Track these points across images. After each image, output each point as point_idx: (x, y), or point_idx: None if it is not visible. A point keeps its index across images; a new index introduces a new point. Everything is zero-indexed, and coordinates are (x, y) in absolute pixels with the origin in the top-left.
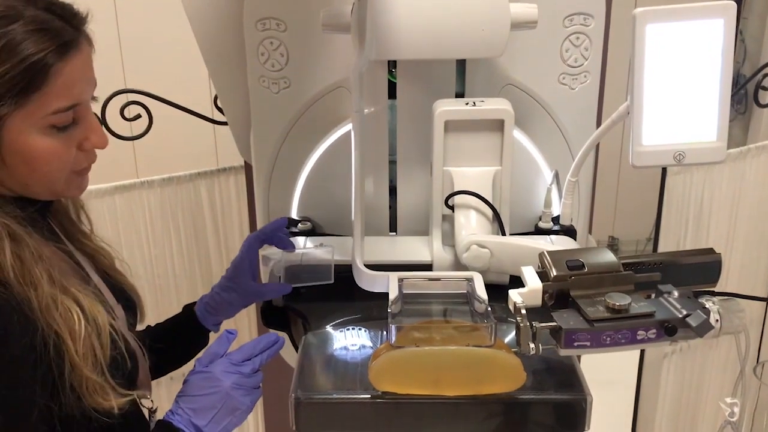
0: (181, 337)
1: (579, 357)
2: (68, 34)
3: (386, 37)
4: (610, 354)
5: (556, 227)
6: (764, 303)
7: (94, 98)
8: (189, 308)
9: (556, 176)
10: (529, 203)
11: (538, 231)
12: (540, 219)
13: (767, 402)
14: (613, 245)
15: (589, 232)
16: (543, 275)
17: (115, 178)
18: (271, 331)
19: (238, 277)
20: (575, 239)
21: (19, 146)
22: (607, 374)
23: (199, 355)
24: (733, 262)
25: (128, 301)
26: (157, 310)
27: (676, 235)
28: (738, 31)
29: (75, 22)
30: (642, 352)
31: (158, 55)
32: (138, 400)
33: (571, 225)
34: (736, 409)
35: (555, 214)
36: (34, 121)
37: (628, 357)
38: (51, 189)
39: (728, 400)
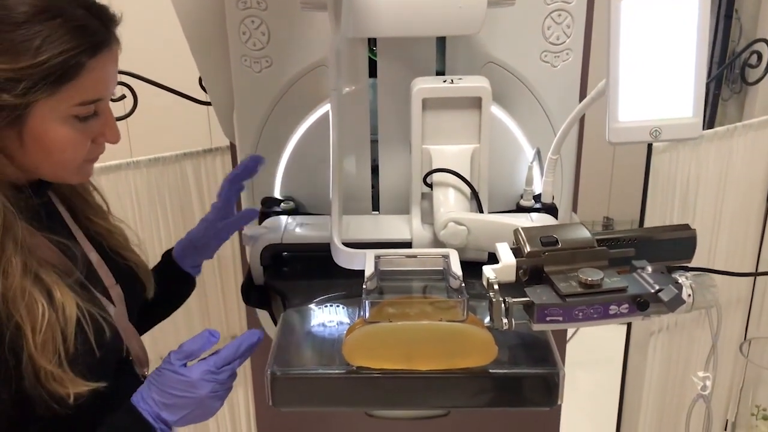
0: (164, 284)
1: (567, 332)
2: (102, 34)
3: (362, 14)
4: (597, 333)
5: (538, 205)
6: (752, 281)
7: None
8: (167, 254)
9: (538, 154)
10: (511, 181)
11: (520, 209)
12: (522, 197)
13: (753, 379)
14: (607, 225)
15: (574, 210)
16: (517, 251)
17: (108, 158)
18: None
19: (211, 214)
20: (556, 217)
21: (41, 132)
22: (594, 353)
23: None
24: (721, 240)
25: (133, 279)
26: None
27: (662, 214)
28: (734, 10)
29: (110, 24)
30: (628, 330)
31: (156, 35)
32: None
33: (553, 203)
34: (708, 383)
35: (537, 192)
36: (59, 111)
37: (616, 336)
38: (59, 174)
39: (700, 374)
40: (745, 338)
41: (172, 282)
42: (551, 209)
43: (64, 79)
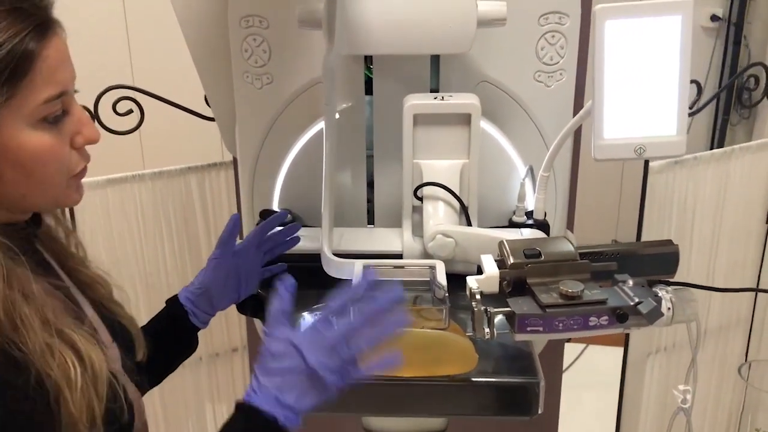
0: (170, 339)
1: (564, 358)
2: (41, 15)
3: (355, 32)
4: (602, 355)
5: (530, 221)
6: (752, 303)
7: (75, 91)
8: (174, 303)
9: (531, 171)
10: (505, 198)
11: (512, 225)
12: (514, 213)
13: (753, 402)
14: None
15: (570, 228)
16: (501, 263)
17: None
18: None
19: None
20: (548, 233)
21: (13, 147)
22: (598, 375)
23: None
24: (719, 262)
25: (125, 337)
26: (149, 307)
27: (659, 234)
28: (742, 36)
29: (42, 3)
30: (625, 350)
31: (169, 53)
32: None
33: (545, 220)
34: (689, 396)
35: (529, 209)
36: (25, 115)
37: (614, 359)
38: (51, 196)
39: (681, 387)
40: (745, 360)
41: (180, 337)
42: (543, 226)
43: (18, 74)
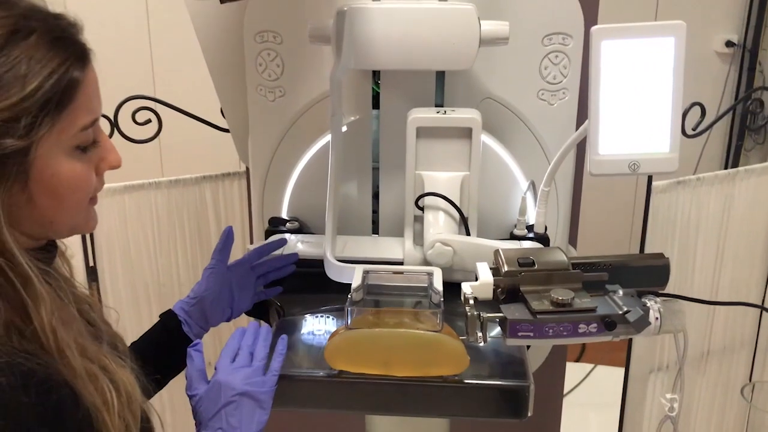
0: (161, 352)
1: (564, 385)
2: (80, 41)
3: (362, 48)
4: (603, 376)
5: (530, 235)
6: (757, 324)
7: None
8: (167, 315)
9: (532, 186)
10: (507, 212)
11: (513, 238)
12: (515, 226)
13: (757, 425)
14: None
15: (572, 244)
16: (496, 271)
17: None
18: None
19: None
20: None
21: (48, 174)
22: (606, 395)
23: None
24: (723, 282)
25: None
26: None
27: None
28: (757, 62)
29: (80, 30)
30: (627, 368)
31: (189, 65)
32: None
33: (545, 234)
34: (676, 405)
35: (530, 223)
36: (63, 143)
37: (621, 380)
38: (74, 223)
39: (668, 395)
40: (750, 380)
41: (175, 351)
42: (543, 239)
43: (63, 102)
